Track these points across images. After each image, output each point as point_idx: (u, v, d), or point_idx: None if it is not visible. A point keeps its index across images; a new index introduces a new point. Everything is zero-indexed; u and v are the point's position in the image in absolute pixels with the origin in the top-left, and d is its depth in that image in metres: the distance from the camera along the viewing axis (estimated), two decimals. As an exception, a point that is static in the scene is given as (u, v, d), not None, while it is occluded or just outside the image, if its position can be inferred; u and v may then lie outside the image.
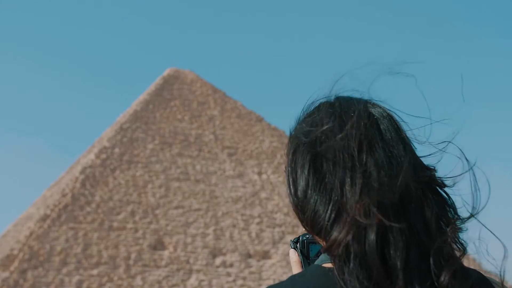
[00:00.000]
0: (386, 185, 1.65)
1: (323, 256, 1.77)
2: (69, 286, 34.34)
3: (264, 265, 38.82)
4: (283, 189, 43.79)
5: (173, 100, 48.98)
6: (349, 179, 1.65)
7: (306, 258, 2.03)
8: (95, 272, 35.36)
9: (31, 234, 35.95)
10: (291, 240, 2.09)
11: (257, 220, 41.25)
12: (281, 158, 46.33)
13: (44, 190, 46.45)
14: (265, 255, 39.40)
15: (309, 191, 1.72)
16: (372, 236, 1.58)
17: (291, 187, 1.79)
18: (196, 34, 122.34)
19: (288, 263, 38.88)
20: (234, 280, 37.50)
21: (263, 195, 43.09)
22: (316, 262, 1.83)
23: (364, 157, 1.68)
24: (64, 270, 34.82)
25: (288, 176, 1.81)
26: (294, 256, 2.05)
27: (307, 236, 2.05)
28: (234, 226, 40.42)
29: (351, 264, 1.59)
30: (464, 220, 1.74)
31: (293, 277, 1.73)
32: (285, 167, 1.84)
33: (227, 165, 44.52)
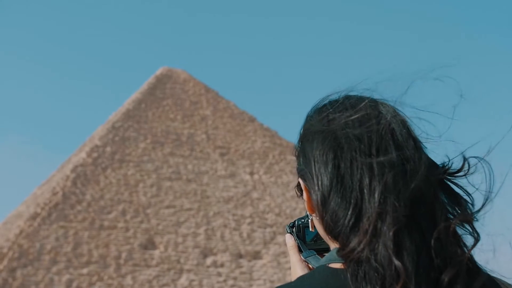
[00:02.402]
0: (401, 189, 1.63)
1: (330, 255, 1.75)
2: (59, 285, 34.17)
3: (255, 266, 38.81)
4: (275, 190, 43.84)
5: (165, 99, 48.91)
6: (367, 183, 1.64)
7: (303, 242, 2.01)
8: (85, 271, 35.21)
9: (21, 232, 35.76)
10: (287, 225, 2.08)
11: (248, 220, 41.24)
12: (273, 158, 46.37)
13: (34, 188, 46.27)
14: (256, 256, 39.39)
15: (332, 192, 1.70)
16: (388, 243, 1.58)
17: (316, 186, 1.75)
18: (190, 34, 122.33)
19: (279, 263, 38.92)
20: (224, 280, 37.46)
21: (254, 195, 43.08)
22: (323, 260, 1.81)
23: (381, 159, 1.66)
24: (54, 269, 34.66)
25: (311, 174, 1.78)
26: (290, 241, 2.04)
27: (303, 220, 2.04)
28: (225, 226, 40.39)
29: (365, 269, 1.58)
30: (479, 209, 1.71)
31: (302, 278, 1.72)
32: (313, 165, 1.78)
33: (219, 165, 44.49)
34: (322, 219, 1.75)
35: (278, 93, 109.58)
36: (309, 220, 1.91)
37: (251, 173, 44.74)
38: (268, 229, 41.01)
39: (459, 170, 1.75)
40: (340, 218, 1.67)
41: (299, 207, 42.45)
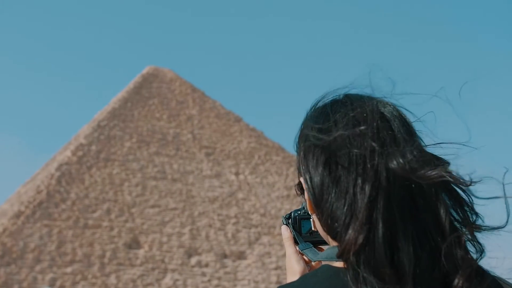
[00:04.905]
0: (394, 189, 1.63)
1: (330, 252, 1.76)
2: (42, 284, 33.95)
3: (240, 266, 38.80)
4: (260, 190, 43.85)
5: (151, 98, 48.76)
6: (360, 182, 1.64)
7: (299, 234, 2.03)
8: (69, 270, 35.01)
9: (4, 230, 35.48)
10: (283, 216, 2.08)
11: (233, 220, 41.22)
12: (259, 158, 46.39)
13: (19, 187, 45.91)
14: (241, 256, 39.38)
15: (325, 194, 1.70)
16: (380, 238, 1.57)
17: (310, 188, 1.76)
18: (176, 33, 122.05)
19: (264, 264, 38.94)
20: (209, 280, 37.42)
21: (240, 195, 43.07)
22: (322, 255, 1.83)
23: (376, 160, 1.65)
24: (38, 268, 34.43)
25: (304, 176, 1.79)
26: (286, 233, 2.04)
27: (299, 212, 2.05)
28: (210, 226, 40.34)
29: (363, 270, 1.58)
30: (489, 228, 1.68)
31: (304, 277, 1.71)
32: (300, 167, 1.81)
33: (204, 164, 44.43)
34: (320, 220, 1.75)
35: (264, 94, 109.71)
36: (311, 220, 1.91)
37: (237, 173, 44.73)
38: (253, 230, 41.02)
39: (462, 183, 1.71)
40: (337, 219, 1.67)
41: (284, 208, 42.51)
